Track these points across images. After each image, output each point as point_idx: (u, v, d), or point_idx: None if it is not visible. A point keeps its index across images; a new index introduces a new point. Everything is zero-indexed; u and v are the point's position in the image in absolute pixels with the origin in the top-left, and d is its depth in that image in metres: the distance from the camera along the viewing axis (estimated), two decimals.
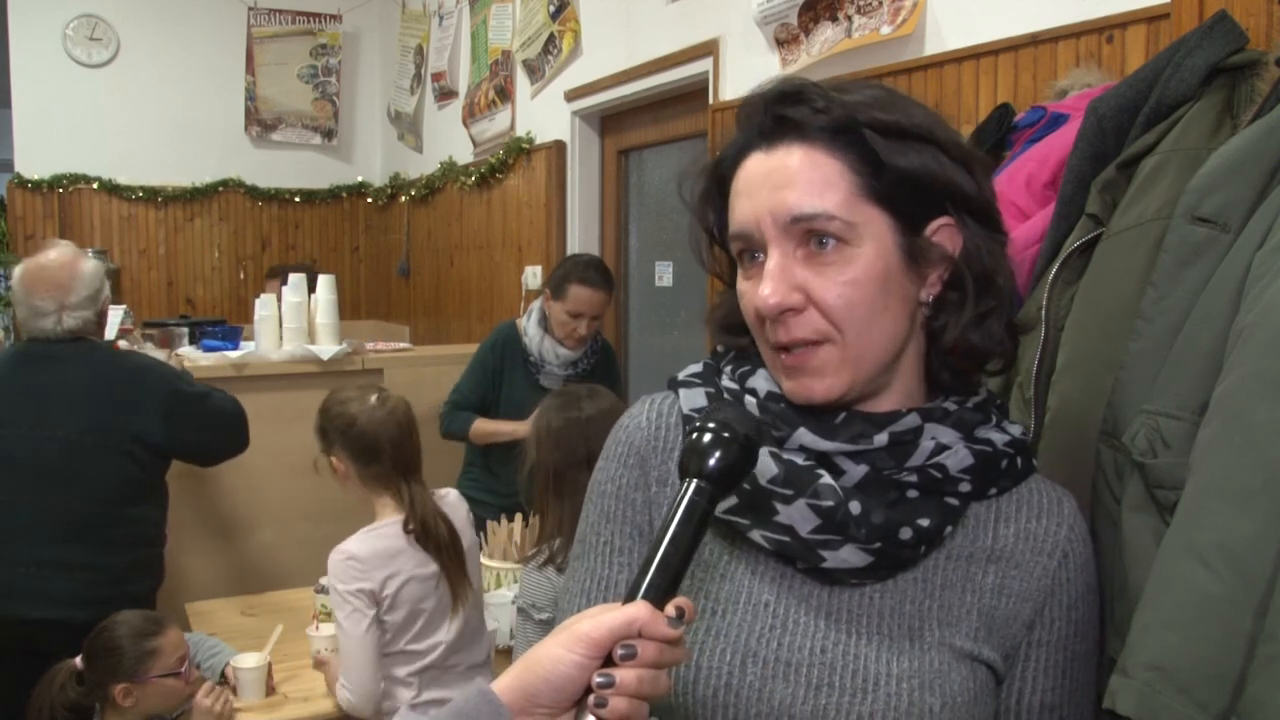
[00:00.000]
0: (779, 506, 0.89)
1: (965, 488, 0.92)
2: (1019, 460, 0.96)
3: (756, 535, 0.91)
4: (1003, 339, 0.95)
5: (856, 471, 0.90)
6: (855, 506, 0.88)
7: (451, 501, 2.28)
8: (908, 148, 0.89)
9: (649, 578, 0.75)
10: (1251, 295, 0.98)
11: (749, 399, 0.95)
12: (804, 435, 0.91)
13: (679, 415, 1.00)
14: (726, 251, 1.00)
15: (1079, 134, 1.31)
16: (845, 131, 0.89)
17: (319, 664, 2.30)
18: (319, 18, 6.69)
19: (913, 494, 0.91)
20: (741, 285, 0.93)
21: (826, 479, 0.89)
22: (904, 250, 0.90)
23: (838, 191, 0.88)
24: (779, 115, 0.90)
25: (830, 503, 0.88)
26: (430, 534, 2.13)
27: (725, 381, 0.99)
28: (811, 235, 0.88)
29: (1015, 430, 0.97)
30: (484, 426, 3.28)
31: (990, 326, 0.94)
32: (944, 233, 0.92)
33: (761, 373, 0.96)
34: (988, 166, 0.98)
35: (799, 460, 0.90)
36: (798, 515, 0.88)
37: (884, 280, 0.89)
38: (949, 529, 0.92)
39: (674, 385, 1.02)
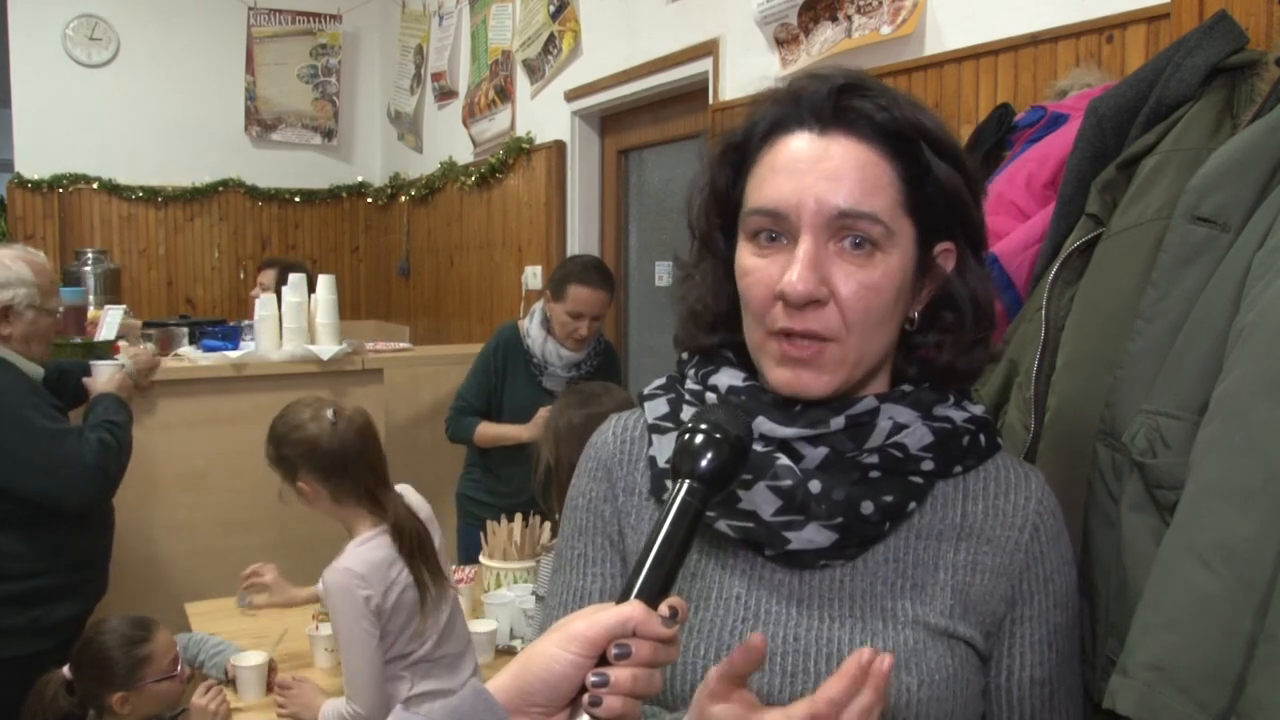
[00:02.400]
0: (740, 493, 0.90)
1: (928, 466, 0.93)
2: (982, 437, 0.97)
3: (723, 525, 0.92)
4: (982, 365, 0.98)
5: (816, 454, 0.91)
6: (815, 485, 0.90)
7: (412, 500, 2.27)
8: (946, 165, 0.90)
9: (642, 577, 0.76)
10: (1251, 295, 0.98)
11: (710, 396, 0.96)
12: (763, 424, 0.92)
13: (644, 427, 1.02)
14: (720, 220, 0.99)
15: (1079, 134, 1.31)
16: (897, 137, 0.89)
17: (284, 687, 2.20)
18: (319, 18, 6.69)
19: (875, 474, 0.92)
20: (751, 263, 0.92)
21: (784, 461, 0.91)
22: (917, 265, 0.92)
23: (885, 197, 0.88)
24: (841, 104, 0.90)
25: (789, 482, 0.89)
26: (405, 537, 2.11)
27: (688, 385, 1.00)
28: (847, 233, 0.88)
29: (976, 409, 0.98)
30: (488, 431, 3.28)
31: (976, 354, 0.96)
32: (944, 255, 0.94)
33: (725, 370, 0.97)
34: (984, 195, 1.00)
35: (759, 448, 0.91)
36: (759, 499, 0.89)
37: (898, 290, 0.90)
38: (913, 505, 0.93)
39: (641, 399, 1.04)
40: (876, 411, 0.92)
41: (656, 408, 1.01)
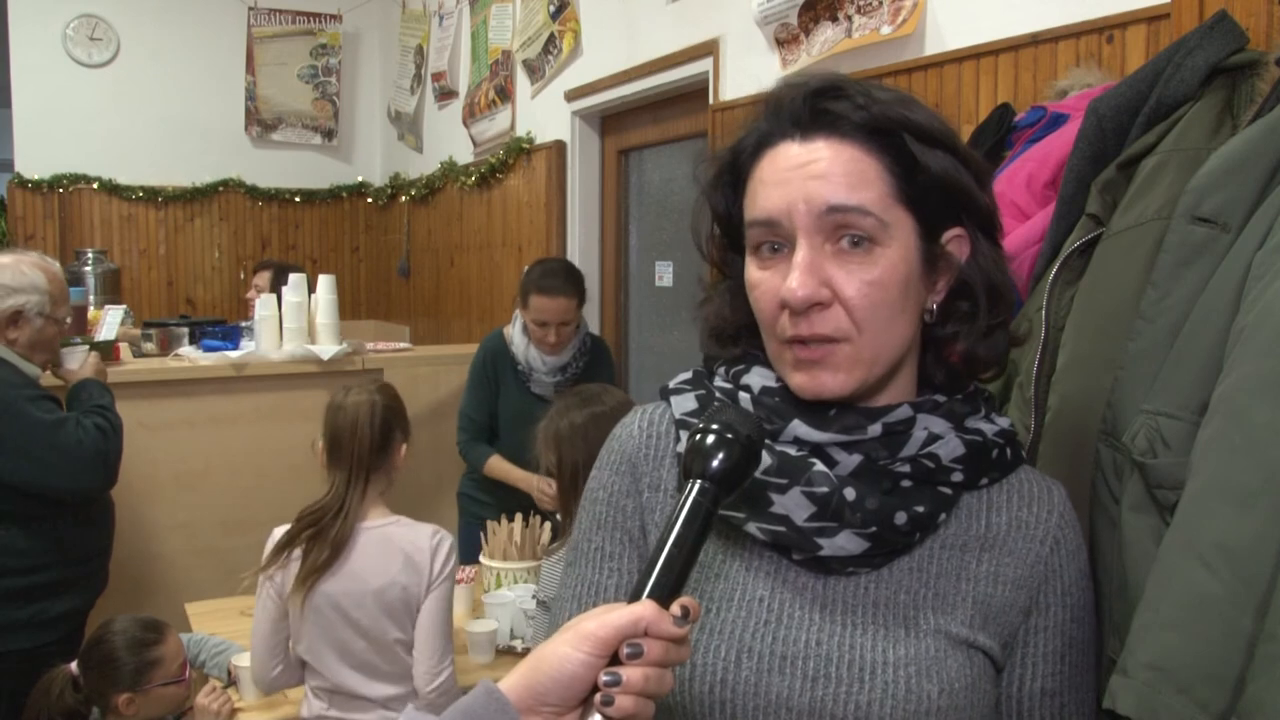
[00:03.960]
0: (774, 496, 0.89)
1: (958, 477, 0.93)
2: (1008, 450, 0.97)
3: (752, 527, 0.91)
4: (1005, 351, 0.98)
5: (850, 461, 0.91)
6: (850, 492, 0.89)
7: (403, 534, 2.16)
8: (938, 154, 0.90)
9: (654, 577, 0.76)
10: (1251, 295, 0.98)
11: (743, 395, 0.96)
12: (798, 427, 0.92)
13: (669, 422, 1.01)
14: (729, 240, 1.00)
15: (1079, 134, 1.31)
16: (881, 132, 0.89)
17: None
18: (319, 18, 6.69)
19: (906, 484, 0.92)
20: (756, 276, 0.92)
21: (820, 467, 0.90)
22: (923, 255, 0.92)
23: (874, 189, 0.88)
24: (818, 108, 0.90)
25: (825, 489, 0.89)
26: (296, 532, 2.11)
27: (718, 382, 1.00)
28: (842, 230, 0.88)
29: (1004, 421, 0.99)
30: (497, 467, 3.25)
31: (996, 339, 0.96)
32: (955, 243, 0.94)
33: (756, 370, 0.97)
34: (992, 178, 0.99)
35: (792, 451, 0.91)
36: (793, 504, 0.89)
37: (905, 283, 0.90)
38: (942, 516, 0.93)
39: (665, 394, 1.03)
40: (912, 421, 0.92)
41: (684, 403, 1.00)
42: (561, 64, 4.21)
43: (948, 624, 0.92)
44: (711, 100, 3.19)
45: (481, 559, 2.75)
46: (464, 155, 5.30)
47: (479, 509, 3.29)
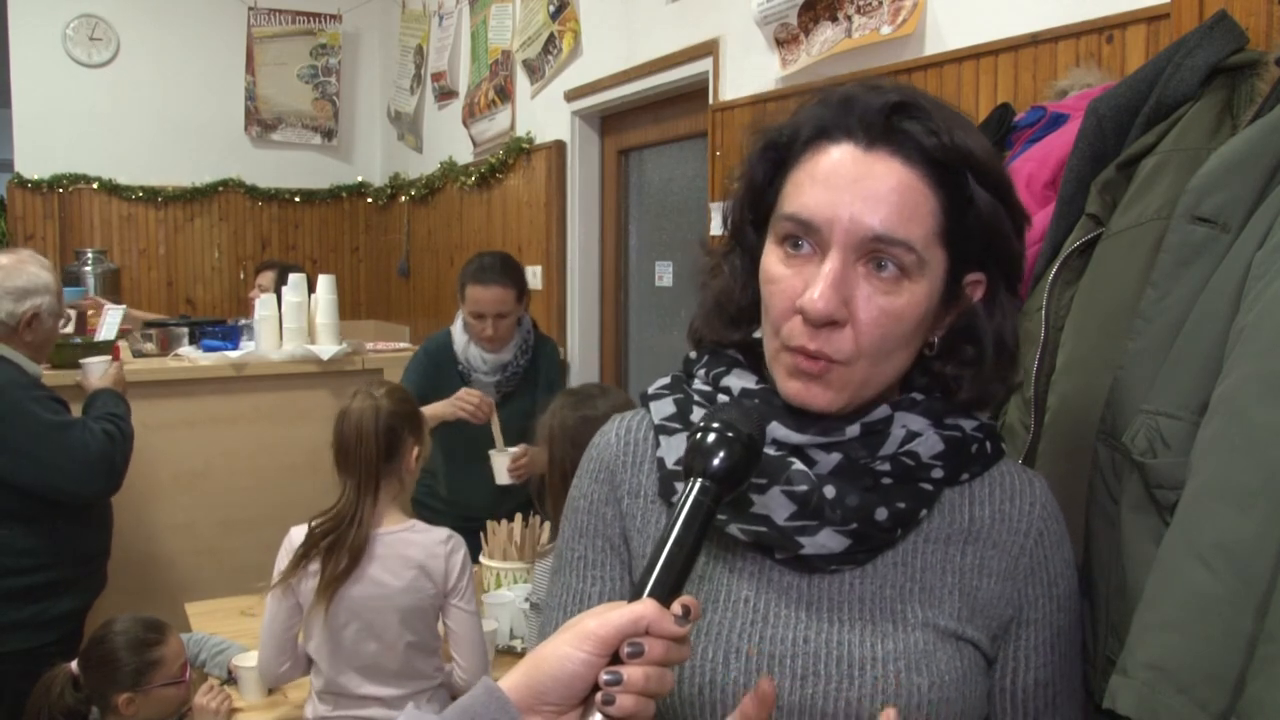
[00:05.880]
0: (754, 497, 0.89)
1: (938, 473, 0.93)
2: (988, 445, 0.98)
3: (734, 529, 0.92)
4: (996, 398, 0.98)
5: (829, 461, 0.91)
6: (830, 491, 0.89)
7: (419, 539, 2.18)
8: (989, 198, 0.89)
9: (654, 576, 0.76)
10: (1251, 295, 0.99)
11: (721, 398, 0.96)
12: (777, 429, 0.91)
13: (648, 428, 1.01)
14: (753, 215, 0.98)
15: (1079, 134, 1.31)
16: (944, 165, 0.88)
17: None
18: (319, 18, 6.69)
19: (887, 481, 0.92)
20: (777, 270, 0.91)
21: (799, 466, 0.90)
22: (944, 295, 0.91)
23: (922, 226, 0.87)
24: (892, 122, 0.88)
25: (804, 487, 0.89)
26: (312, 539, 2.11)
27: (697, 385, 1.00)
28: (878, 255, 0.87)
29: (983, 415, 0.99)
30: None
31: (993, 388, 0.96)
32: (973, 285, 0.94)
33: (736, 373, 0.97)
34: (1027, 227, 0.97)
35: (771, 452, 0.91)
36: (773, 503, 0.89)
37: (920, 319, 0.90)
38: (924, 512, 0.93)
39: (645, 399, 1.03)
40: (890, 419, 0.92)
41: (663, 408, 1.00)
42: (561, 64, 4.21)
43: (935, 617, 0.92)
44: (711, 100, 3.19)
45: (481, 559, 2.75)
46: (464, 155, 5.30)
47: (430, 515, 3.22)
